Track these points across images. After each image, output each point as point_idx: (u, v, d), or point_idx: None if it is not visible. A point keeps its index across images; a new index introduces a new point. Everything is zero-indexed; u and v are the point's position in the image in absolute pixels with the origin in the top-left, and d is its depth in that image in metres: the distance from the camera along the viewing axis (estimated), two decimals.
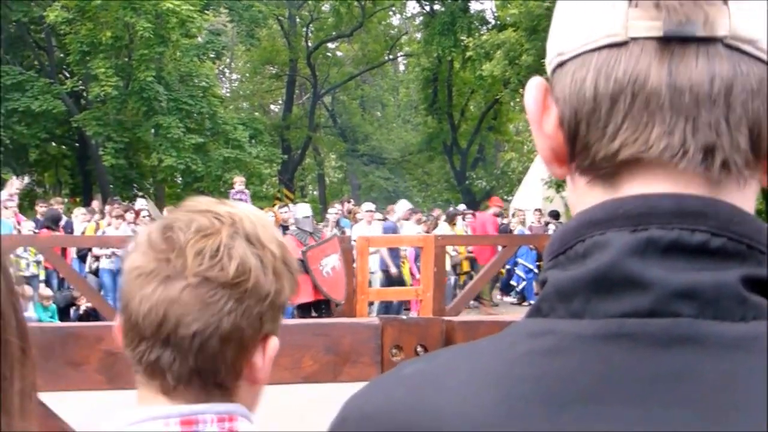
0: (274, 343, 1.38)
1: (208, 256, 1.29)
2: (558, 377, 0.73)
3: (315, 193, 49.30)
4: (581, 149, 0.82)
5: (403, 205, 17.28)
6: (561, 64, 0.83)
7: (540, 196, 23.24)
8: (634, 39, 0.77)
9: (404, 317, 2.83)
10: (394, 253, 15.34)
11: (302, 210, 13.33)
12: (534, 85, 0.86)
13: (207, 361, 1.30)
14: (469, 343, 0.84)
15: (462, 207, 21.64)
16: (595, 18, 0.80)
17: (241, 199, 16.25)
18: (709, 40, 0.76)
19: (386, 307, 15.44)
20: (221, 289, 1.29)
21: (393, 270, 15.14)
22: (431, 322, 2.82)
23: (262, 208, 20.02)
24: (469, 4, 35.25)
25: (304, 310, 12.51)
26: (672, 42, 0.76)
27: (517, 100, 28.35)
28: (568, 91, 0.81)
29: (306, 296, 12.28)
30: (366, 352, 2.73)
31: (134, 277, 1.30)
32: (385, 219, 17.12)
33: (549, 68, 0.86)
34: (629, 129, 0.78)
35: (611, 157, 0.79)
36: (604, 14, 0.79)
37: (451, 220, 18.91)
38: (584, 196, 0.84)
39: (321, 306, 12.58)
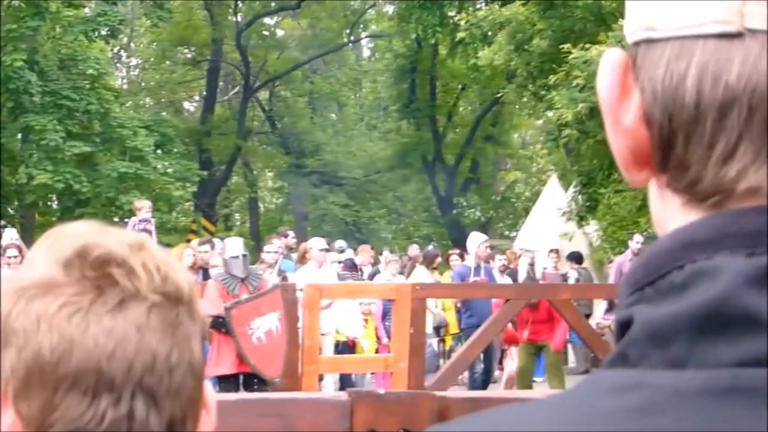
0: (210, 389, 1.43)
1: (155, 269, 1.34)
2: None
3: (245, 224, 49.23)
4: (676, 165, 0.84)
5: (476, 239, 17.03)
6: (650, 41, 0.84)
7: (555, 232, 23.32)
8: (751, 31, 0.78)
9: (381, 391, 2.85)
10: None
11: (233, 247, 13.28)
12: (611, 60, 0.88)
13: (184, 409, 1.34)
14: (518, 404, 0.85)
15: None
16: None
17: (145, 230, 16.19)
18: None
19: (343, 382, 15.43)
20: (182, 307, 1.35)
21: None
22: (418, 399, 2.85)
23: (169, 245, 19.95)
24: None
25: (228, 383, 12.44)
26: None
27: (525, 99, 28.49)
28: (661, 87, 0.82)
29: (226, 366, 12.21)
30: None
31: (66, 318, 1.30)
32: (345, 260, 17.13)
33: (630, 37, 0.88)
34: (748, 154, 0.79)
35: (723, 185, 0.81)
36: None
37: (430, 262, 18.94)
38: (676, 215, 0.86)
39: (252, 381, 12.52)
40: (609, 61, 0.88)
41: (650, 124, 0.84)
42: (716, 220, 0.80)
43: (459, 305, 16.84)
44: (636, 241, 19.45)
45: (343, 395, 2.90)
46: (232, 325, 12.01)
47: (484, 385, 16.27)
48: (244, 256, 13.00)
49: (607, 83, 0.87)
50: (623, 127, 0.87)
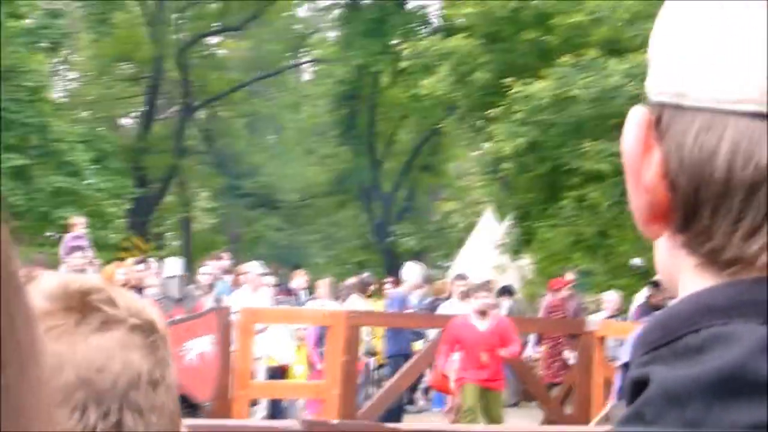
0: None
1: (130, 301, 1.42)
2: None
3: (177, 243, 48.87)
4: (700, 233, 0.88)
5: (413, 270, 17.19)
6: (678, 106, 0.88)
7: (489, 264, 23.38)
8: None
9: (334, 421, 2.90)
10: None
11: (170, 267, 13.21)
12: (635, 118, 0.92)
13: (167, 428, 1.40)
14: None
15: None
16: (734, 67, 0.84)
17: (79, 247, 16.09)
18: None
19: (274, 408, 15.38)
20: (158, 335, 1.42)
21: None
22: (370, 429, 2.90)
23: (110, 262, 19.78)
24: None
25: None
26: None
27: (464, 131, 28.57)
28: (689, 158, 0.86)
29: None
30: None
31: (54, 339, 1.34)
32: (280, 284, 17.11)
33: (656, 96, 0.92)
34: None
35: (745, 258, 0.85)
36: (747, 68, 0.83)
37: (364, 290, 18.97)
38: (690, 275, 0.90)
39: (184, 403, 12.39)
40: (633, 119, 0.91)
41: (675, 189, 0.88)
42: (733, 288, 0.84)
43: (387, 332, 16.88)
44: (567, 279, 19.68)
45: (295, 424, 2.95)
46: None
47: (399, 414, 16.28)
48: (180, 276, 12.93)
49: (631, 140, 0.91)
50: (644, 184, 0.90)
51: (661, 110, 0.90)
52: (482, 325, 12.88)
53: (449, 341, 13.18)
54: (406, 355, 17.03)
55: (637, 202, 0.92)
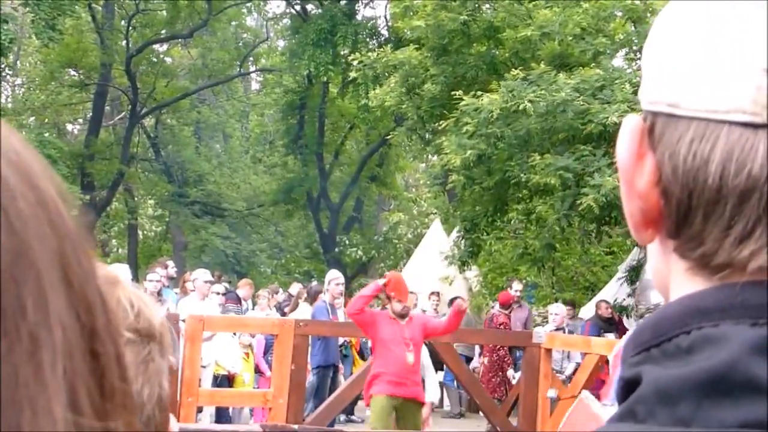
0: (174, 424, 1.51)
1: (129, 305, 1.42)
2: None
3: (122, 250, 48.62)
4: (691, 238, 0.91)
5: (329, 276, 17.17)
6: (671, 116, 0.91)
7: (436, 275, 23.39)
8: None
9: (295, 427, 2.93)
10: None
11: (121, 273, 13.10)
12: (629, 127, 0.95)
13: None
14: None
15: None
16: (727, 78, 0.87)
17: None
18: None
19: (219, 416, 15.34)
20: (153, 343, 1.43)
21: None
22: None
23: None
24: (357, 7, 35.68)
25: None
26: None
27: (412, 142, 28.59)
28: (683, 166, 0.89)
29: None
30: None
31: None
32: (227, 292, 17.08)
33: (649, 106, 0.94)
34: (763, 236, 0.86)
35: (736, 263, 0.87)
36: (739, 79, 0.86)
37: (314, 299, 18.94)
38: (681, 278, 0.93)
39: None
40: (627, 127, 0.95)
41: (667, 196, 0.91)
42: (723, 291, 0.86)
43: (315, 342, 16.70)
44: (515, 289, 19.72)
45: (256, 427, 2.98)
46: None
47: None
48: (133, 282, 12.85)
49: (625, 148, 0.94)
50: (636, 191, 0.93)
51: (655, 119, 0.92)
52: (403, 321, 11.99)
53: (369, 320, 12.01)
54: (334, 366, 17.08)
55: (630, 208, 0.95)
